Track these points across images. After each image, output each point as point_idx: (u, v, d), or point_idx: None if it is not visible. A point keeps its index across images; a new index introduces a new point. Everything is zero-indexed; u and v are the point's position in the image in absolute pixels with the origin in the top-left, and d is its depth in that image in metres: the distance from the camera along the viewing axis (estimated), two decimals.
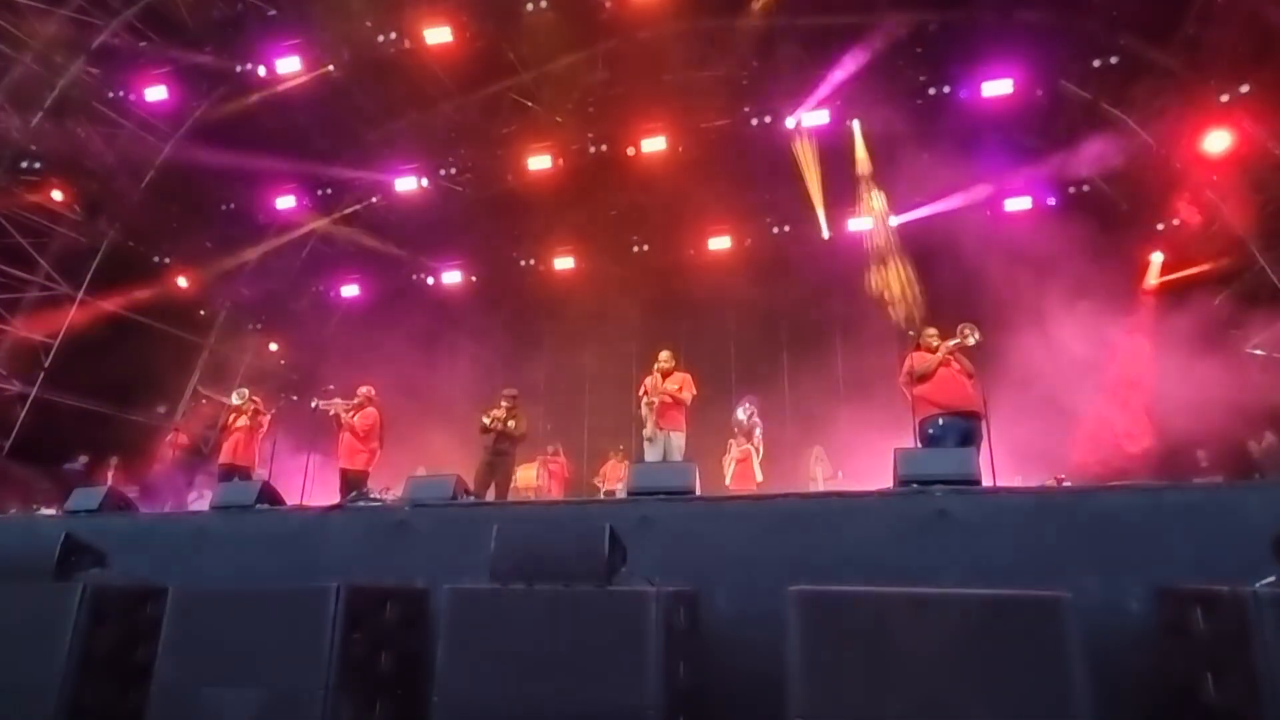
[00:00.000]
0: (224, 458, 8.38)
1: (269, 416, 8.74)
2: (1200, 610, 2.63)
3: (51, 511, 7.66)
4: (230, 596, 3.25)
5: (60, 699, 3.09)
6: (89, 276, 11.58)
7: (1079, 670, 2.24)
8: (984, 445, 5.59)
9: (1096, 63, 9.94)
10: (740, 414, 9.26)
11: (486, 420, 8.07)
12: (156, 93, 11.07)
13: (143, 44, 10.87)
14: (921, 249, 11.82)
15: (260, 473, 8.02)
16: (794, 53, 10.93)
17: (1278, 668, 2.21)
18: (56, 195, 11.10)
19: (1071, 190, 11.47)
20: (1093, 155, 10.54)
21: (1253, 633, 2.28)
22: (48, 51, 10.36)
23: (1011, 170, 11.40)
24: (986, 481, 4.11)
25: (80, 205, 11.49)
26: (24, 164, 10.72)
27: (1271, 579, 2.43)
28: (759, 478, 8.89)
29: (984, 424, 5.79)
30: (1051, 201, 11.53)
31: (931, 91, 10.64)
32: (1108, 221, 11.19)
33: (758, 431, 9.15)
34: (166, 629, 3.16)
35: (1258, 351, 9.86)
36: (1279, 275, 9.25)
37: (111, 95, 11.15)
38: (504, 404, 8.16)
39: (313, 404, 8.43)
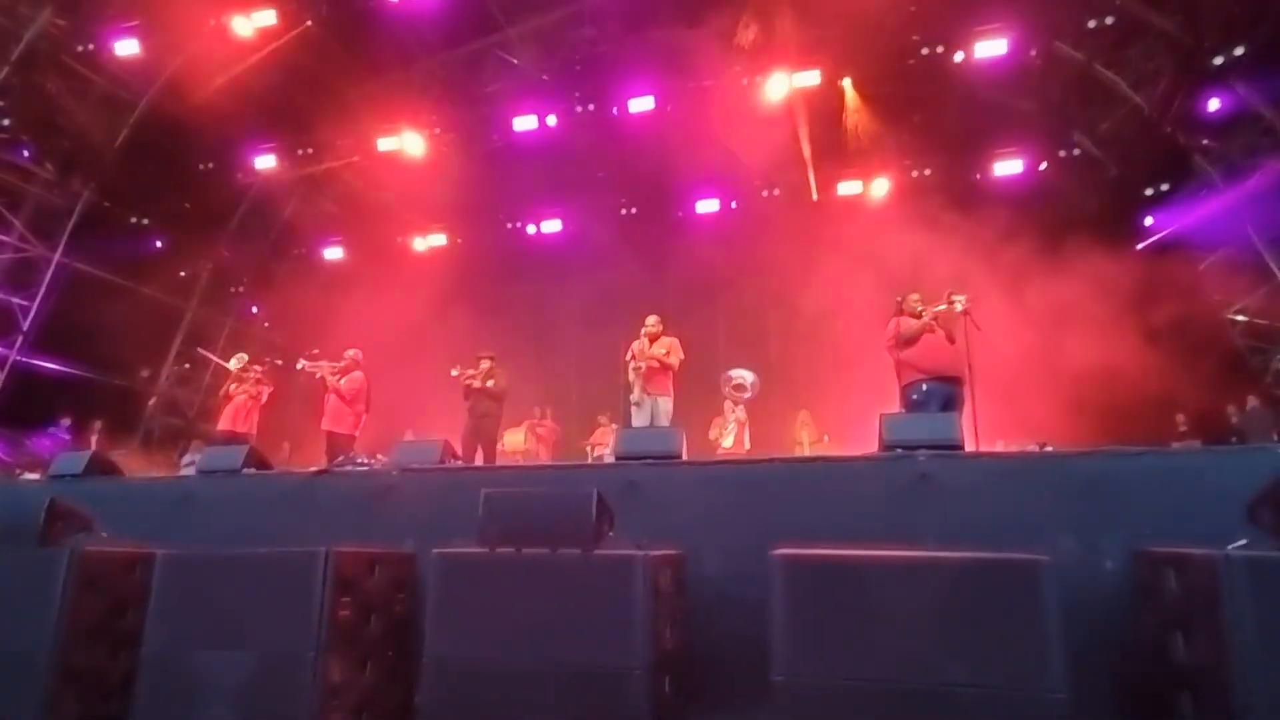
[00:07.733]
0: (224, 424, 8.33)
1: (269, 389, 8.66)
2: (1173, 572, 2.70)
3: (35, 476, 7.60)
4: (218, 561, 3.24)
5: (50, 665, 3.10)
6: (65, 237, 11.33)
7: (1055, 632, 2.29)
8: (967, 410, 5.66)
9: (1092, 23, 9.82)
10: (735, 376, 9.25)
11: (455, 373, 8.09)
12: (127, 46, 10.68)
13: None
14: (913, 213, 11.75)
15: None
16: (783, 11, 10.69)
17: (1246, 628, 2.28)
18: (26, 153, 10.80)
19: (1062, 154, 11.40)
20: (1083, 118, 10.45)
21: (1223, 594, 2.35)
22: (12, 2, 9.95)
23: (1003, 133, 11.30)
24: (969, 446, 4.16)
25: (53, 164, 11.17)
26: None
27: (1243, 542, 2.49)
28: (746, 445, 8.96)
29: (967, 389, 5.85)
30: (1043, 166, 11.47)
31: (925, 51, 10.46)
32: (1097, 185, 11.17)
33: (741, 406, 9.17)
34: (155, 594, 3.17)
35: (1240, 317, 9.97)
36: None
37: (81, 49, 10.76)
38: (483, 364, 8.12)
39: (299, 366, 8.37)
